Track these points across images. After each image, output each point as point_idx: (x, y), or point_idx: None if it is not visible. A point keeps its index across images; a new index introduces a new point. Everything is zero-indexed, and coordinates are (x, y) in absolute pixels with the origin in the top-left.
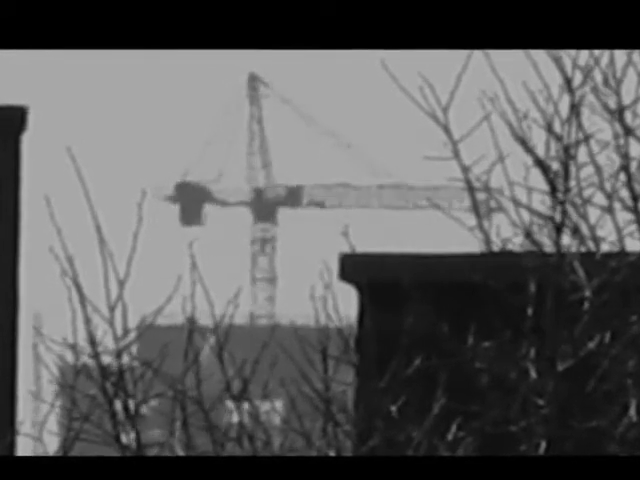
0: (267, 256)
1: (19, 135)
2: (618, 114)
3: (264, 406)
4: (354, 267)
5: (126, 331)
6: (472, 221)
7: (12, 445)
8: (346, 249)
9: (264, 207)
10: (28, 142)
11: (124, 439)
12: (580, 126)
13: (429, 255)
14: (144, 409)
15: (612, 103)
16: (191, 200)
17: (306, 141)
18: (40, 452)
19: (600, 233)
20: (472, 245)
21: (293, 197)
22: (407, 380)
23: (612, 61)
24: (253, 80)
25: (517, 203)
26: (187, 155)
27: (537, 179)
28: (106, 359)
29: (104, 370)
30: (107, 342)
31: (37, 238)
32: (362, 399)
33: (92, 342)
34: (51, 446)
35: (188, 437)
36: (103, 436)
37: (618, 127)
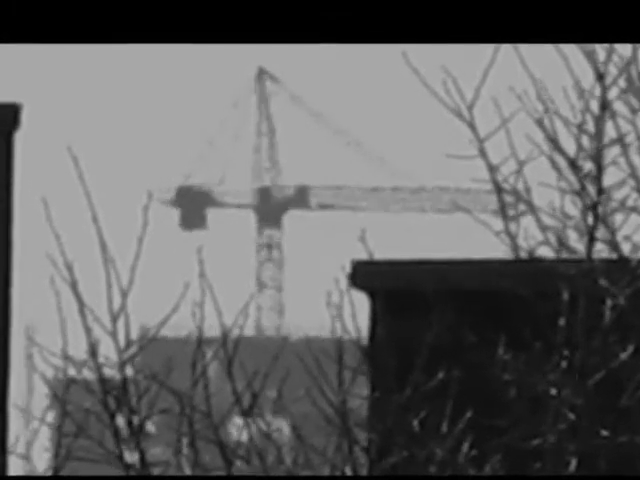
0: (274, 262)
1: (12, 134)
2: None
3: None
4: (367, 274)
5: (129, 342)
6: (498, 226)
7: (3, 464)
8: (356, 254)
9: (270, 210)
10: (23, 141)
11: (127, 457)
12: (615, 124)
13: (446, 261)
14: (148, 425)
15: None
16: (193, 203)
17: (317, 140)
18: (33, 471)
19: (636, 238)
20: (498, 251)
21: (301, 199)
22: (426, 393)
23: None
24: (261, 75)
25: (547, 206)
26: (189, 155)
27: (565, 180)
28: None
29: (106, 383)
30: (102, 354)
31: (33, 242)
32: (376, 412)
33: (93, 354)
34: (44, 464)
35: (196, 455)
36: (105, 454)
37: None
